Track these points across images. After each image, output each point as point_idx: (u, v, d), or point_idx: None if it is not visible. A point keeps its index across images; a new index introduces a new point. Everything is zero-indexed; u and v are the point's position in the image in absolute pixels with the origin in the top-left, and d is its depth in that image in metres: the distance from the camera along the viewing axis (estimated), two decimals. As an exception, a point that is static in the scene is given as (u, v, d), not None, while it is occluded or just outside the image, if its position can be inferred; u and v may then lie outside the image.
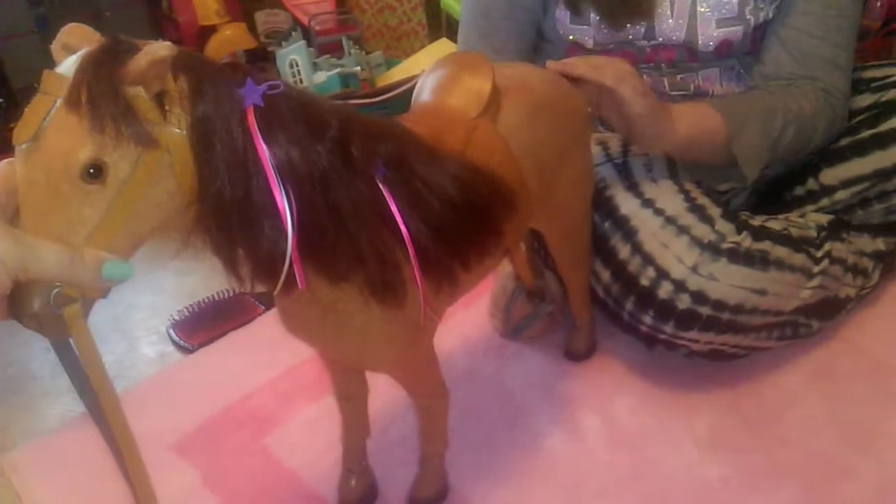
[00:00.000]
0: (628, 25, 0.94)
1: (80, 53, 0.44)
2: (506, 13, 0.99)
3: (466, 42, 1.05)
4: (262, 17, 2.40)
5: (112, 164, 0.43)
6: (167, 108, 0.45)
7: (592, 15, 0.94)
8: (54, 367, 1.13)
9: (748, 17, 0.94)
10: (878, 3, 1.56)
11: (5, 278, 0.41)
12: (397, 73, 1.86)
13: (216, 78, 0.47)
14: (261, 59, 2.36)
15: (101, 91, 0.42)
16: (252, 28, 2.35)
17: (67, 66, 0.44)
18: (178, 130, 0.45)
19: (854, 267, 0.99)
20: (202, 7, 2.25)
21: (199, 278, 1.34)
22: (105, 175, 0.43)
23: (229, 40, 2.24)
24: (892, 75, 1.03)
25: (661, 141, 0.84)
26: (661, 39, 0.95)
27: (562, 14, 0.96)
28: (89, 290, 0.45)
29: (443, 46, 1.91)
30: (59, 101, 0.43)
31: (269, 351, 1.10)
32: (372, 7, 2.37)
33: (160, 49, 0.42)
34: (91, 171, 0.42)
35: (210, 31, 2.25)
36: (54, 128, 0.42)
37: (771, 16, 0.95)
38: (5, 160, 0.44)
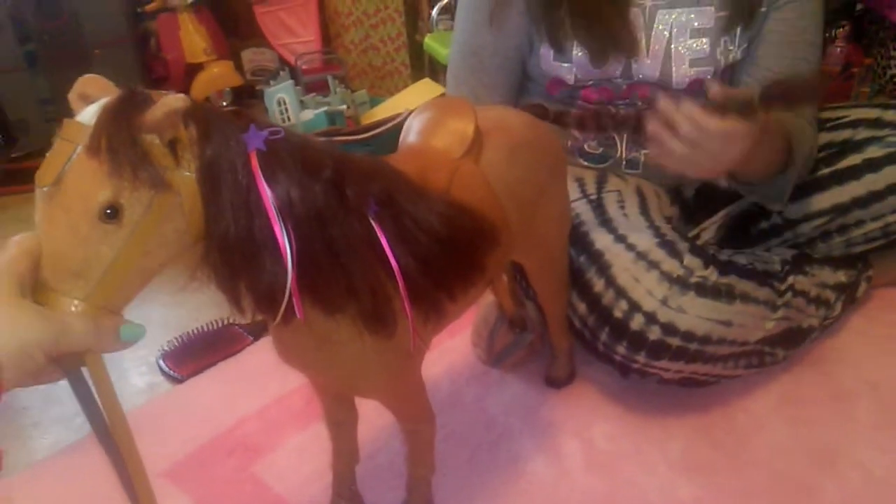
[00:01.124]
0: (610, 62, 0.99)
1: (99, 103, 0.48)
2: (496, 50, 1.04)
3: (456, 78, 1.09)
4: (248, 56, 2.46)
5: (128, 206, 0.46)
6: (179, 153, 0.49)
7: (575, 52, 0.99)
8: (45, 398, 1.15)
9: (719, 57, 1.00)
10: (838, 49, 1.65)
11: (42, 358, 0.44)
12: (381, 111, 1.92)
13: (222, 125, 0.51)
14: (247, 96, 2.41)
15: (120, 139, 0.46)
16: (238, 66, 2.41)
17: (86, 115, 0.48)
18: (188, 174, 0.49)
19: (817, 299, 1.05)
20: (189, 45, 2.30)
21: (188, 310, 1.36)
22: (121, 216, 0.46)
23: (216, 78, 2.30)
24: (846, 116, 1.10)
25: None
26: (637, 77, 1.01)
27: (545, 51, 1.02)
28: (110, 350, 0.49)
29: (425, 86, 1.97)
30: (79, 148, 0.46)
31: (257, 380, 1.14)
32: (357, 47, 2.44)
33: (175, 101, 0.46)
34: (108, 211, 0.46)
35: (197, 68, 2.30)
36: (75, 172, 0.46)
37: (740, 57, 1.02)
38: (25, 234, 0.47)
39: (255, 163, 0.51)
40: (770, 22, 1.00)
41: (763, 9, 0.99)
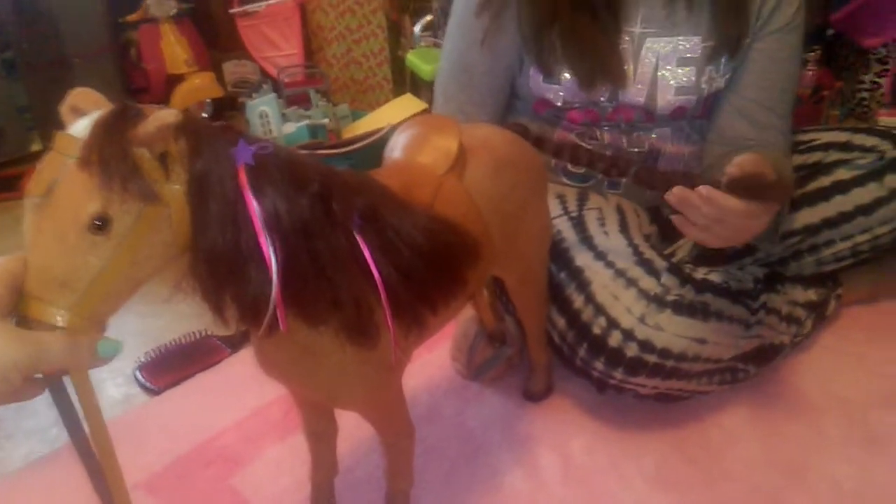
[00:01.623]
0: (597, 88, 1.00)
1: (91, 117, 0.48)
2: (487, 69, 1.05)
3: (445, 93, 1.10)
4: (230, 68, 2.46)
5: (117, 218, 0.47)
6: (169, 166, 0.49)
7: (563, 76, 1.01)
8: (19, 409, 1.13)
9: (703, 86, 1.03)
10: (809, 73, 1.69)
11: (19, 380, 0.44)
12: (363, 125, 1.93)
13: (212, 139, 0.51)
14: (228, 107, 2.41)
15: (111, 152, 0.46)
16: (220, 78, 2.40)
17: (78, 128, 0.48)
18: (177, 186, 0.49)
19: (788, 316, 1.07)
20: (171, 56, 2.29)
21: (165, 321, 1.36)
22: (110, 227, 0.47)
23: (197, 89, 2.29)
24: (817, 139, 1.13)
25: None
26: (623, 101, 1.03)
27: (534, 73, 1.03)
28: (87, 367, 0.49)
29: (407, 101, 1.98)
30: (70, 160, 0.46)
31: (235, 392, 1.13)
32: (339, 61, 2.45)
33: (168, 116, 0.47)
34: (98, 223, 0.46)
35: (178, 79, 2.29)
36: (66, 184, 0.46)
37: (723, 86, 1.04)
38: (6, 257, 0.47)
39: (243, 177, 0.52)
40: (752, 52, 1.02)
41: (747, 40, 1.01)
